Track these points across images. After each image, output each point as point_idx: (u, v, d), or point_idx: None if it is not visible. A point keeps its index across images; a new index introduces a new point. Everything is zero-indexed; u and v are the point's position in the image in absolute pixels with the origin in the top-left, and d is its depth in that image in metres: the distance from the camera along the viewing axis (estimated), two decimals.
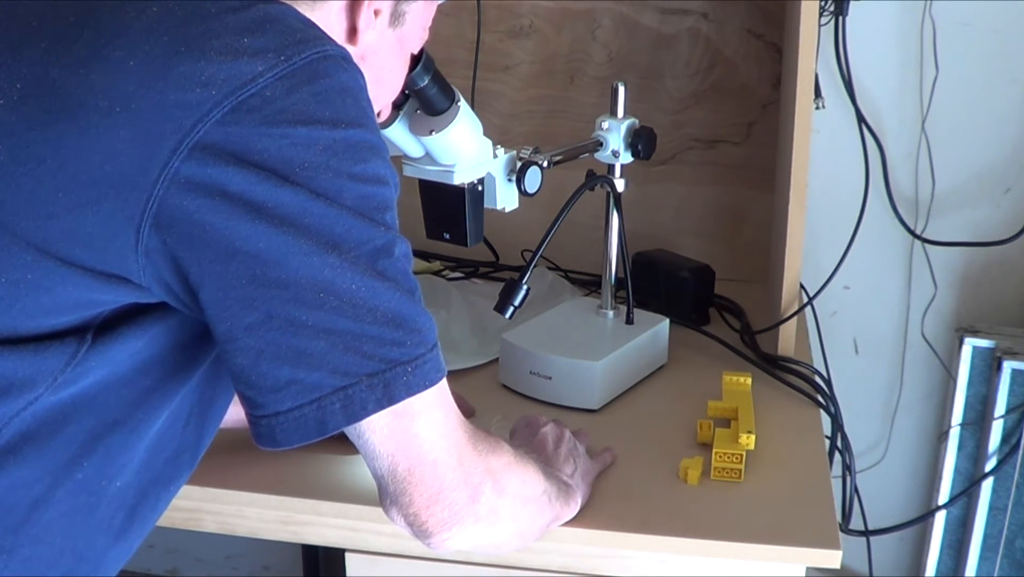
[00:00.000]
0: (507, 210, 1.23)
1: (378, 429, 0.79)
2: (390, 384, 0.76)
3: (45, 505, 0.77)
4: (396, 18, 0.90)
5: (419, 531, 0.83)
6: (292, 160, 0.73)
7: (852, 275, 1.71)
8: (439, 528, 0.83)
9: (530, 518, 0.94)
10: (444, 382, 0.81)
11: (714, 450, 1.11)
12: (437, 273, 1.67)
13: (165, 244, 0.73)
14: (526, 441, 1.07)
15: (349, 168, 0.75)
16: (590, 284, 1.63)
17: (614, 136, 1.32)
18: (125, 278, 0.75)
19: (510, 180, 1.20)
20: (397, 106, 1.12)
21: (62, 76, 0.73)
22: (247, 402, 0.77)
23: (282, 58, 0.73)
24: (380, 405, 0.77)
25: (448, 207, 1.18)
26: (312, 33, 0.77)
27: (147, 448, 0.84)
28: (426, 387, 0.78)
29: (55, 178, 0.72)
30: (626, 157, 1.33)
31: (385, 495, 0.82)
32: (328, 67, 0.75)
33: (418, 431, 0.80)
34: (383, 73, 0.92)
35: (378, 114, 0.90)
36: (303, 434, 0.76)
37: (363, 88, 0.79)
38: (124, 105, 0.71)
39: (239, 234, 0.72)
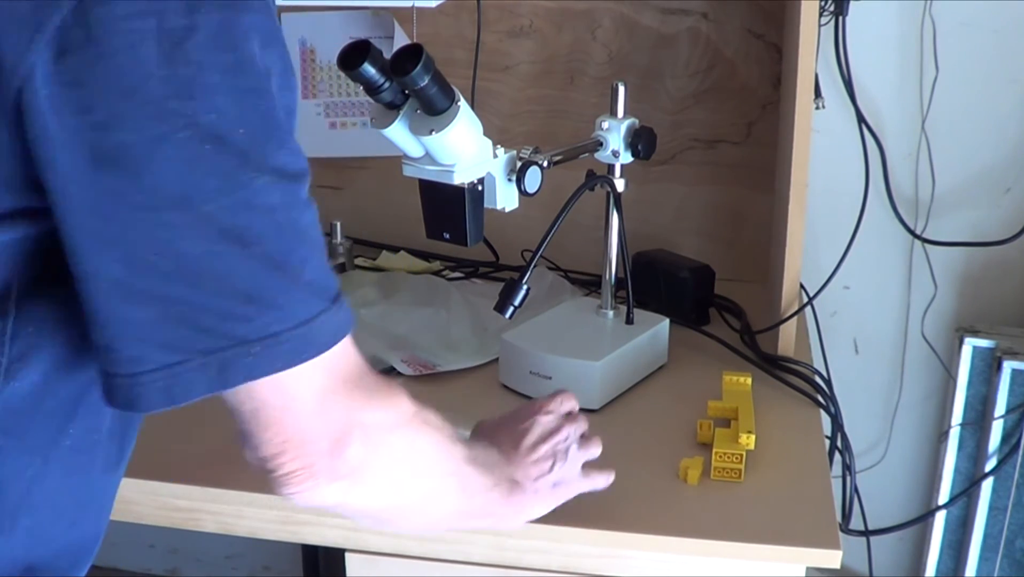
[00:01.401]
0: (507, 210, 1.23)
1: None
2: (227, 366, 0.66)
3: (40, 480, 0.74)
4: None
5: (273, 481, 0.75)
6: None
7: (852, 275, 1.71)
8: (291, 481, 0.74)
9: (427, 495, 0.85)
10: (333, 352, 0.71)
11: (714, 450, 1.11)
12: (437, 273, 1.67)
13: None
14: (506, 423, 1.01)
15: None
16: (590, 284, 1.63)
17: (614, 136, 1.32)
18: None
19: (510, 180, 1.20)
20: (397, 106, 1.12)
21: None
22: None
23: None
24: (211, 388, 0.67)
25: (448, 207, 1.18)
26: None
27: None
28: (277, 369, 0.68)
29: None
30: (626, 157, 1.33)
31: (238, 434, 0.74)
32: None
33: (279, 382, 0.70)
34: None
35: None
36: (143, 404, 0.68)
37: None
38: None
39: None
